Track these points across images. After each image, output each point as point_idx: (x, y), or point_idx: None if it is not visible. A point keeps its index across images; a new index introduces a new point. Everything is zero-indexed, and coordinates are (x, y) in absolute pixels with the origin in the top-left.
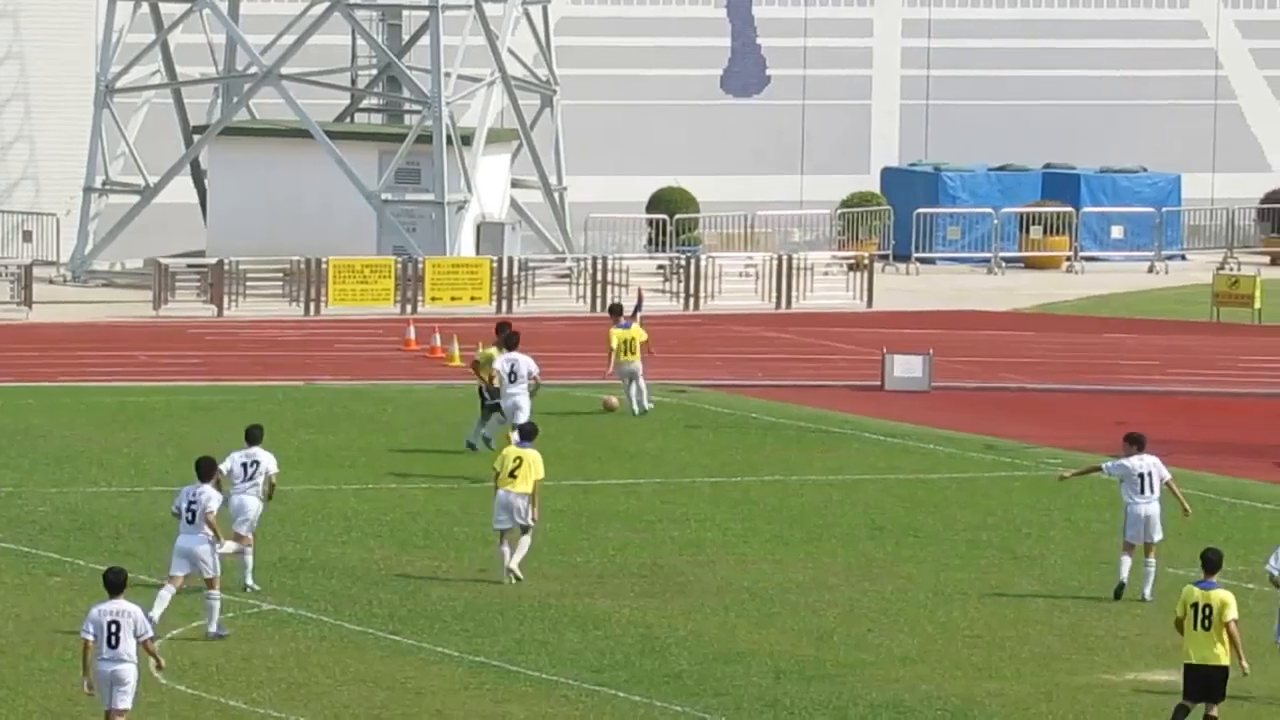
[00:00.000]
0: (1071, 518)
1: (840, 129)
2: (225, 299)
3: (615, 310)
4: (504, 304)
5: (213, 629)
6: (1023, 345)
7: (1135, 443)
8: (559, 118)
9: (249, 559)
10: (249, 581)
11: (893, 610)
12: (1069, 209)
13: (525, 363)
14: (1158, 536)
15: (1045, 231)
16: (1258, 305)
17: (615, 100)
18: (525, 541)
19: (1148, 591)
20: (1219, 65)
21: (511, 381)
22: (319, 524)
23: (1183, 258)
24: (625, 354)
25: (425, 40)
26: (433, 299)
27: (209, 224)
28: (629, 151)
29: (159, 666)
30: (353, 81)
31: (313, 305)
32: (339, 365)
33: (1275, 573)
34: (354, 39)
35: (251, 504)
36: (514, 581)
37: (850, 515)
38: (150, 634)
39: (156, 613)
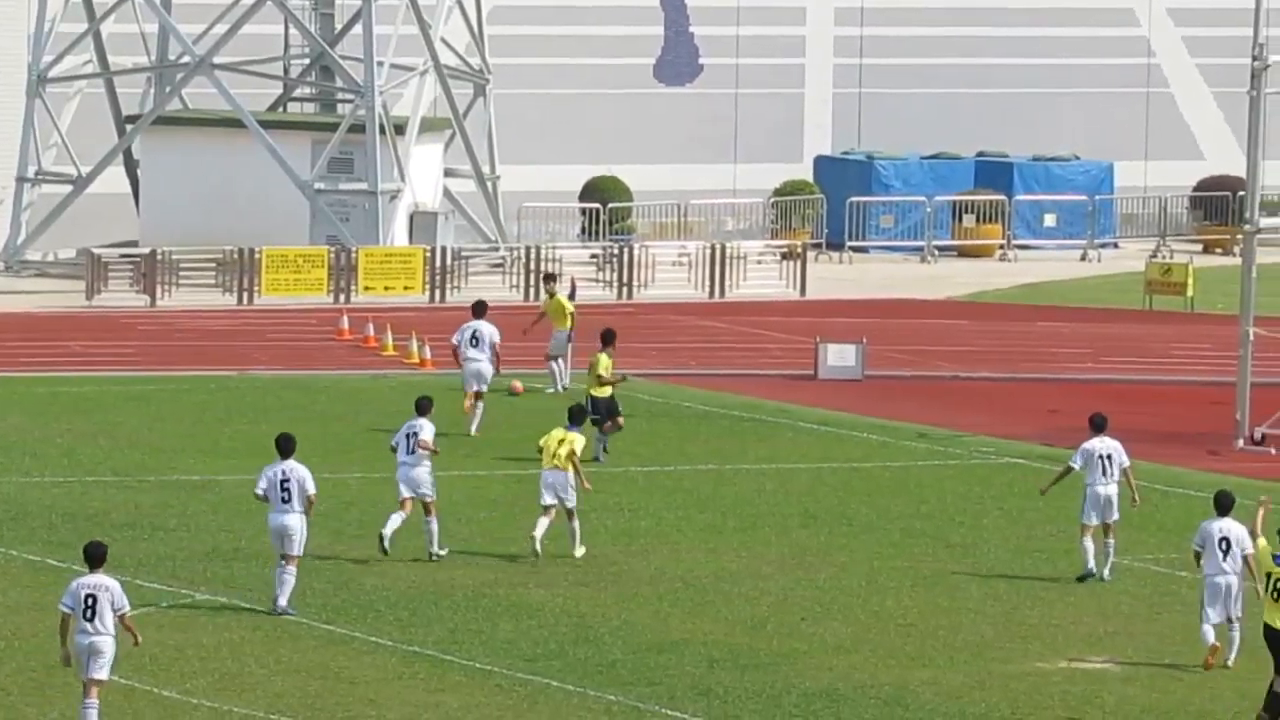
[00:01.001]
0: (1004, 506)
1: (773, 117)
2: (158, 289)
3: (549, 278)
4: (437, 293)
5: (282, 603)
6: (956, 334)
7: (1096, 425)
8: (492, 107)
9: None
10: (283, 604)
11: (826, 599)
12: (1002, 197)
13: (488, 330)
14: (1115, 516)
15: (978, 220)
16: (1190, 293)
17: (548, 89)
18: (576, 526)
19: (1106, 572)
20: (1151, 53)
21: (473, 346)
22: (252, 513)
23: (1115, 246)
24: (564, 323)
25: (358, 29)
26: (366, 288)
27: (142, 214)
28: (562, 140)
29: (135, 642)
30: (285, 71)
31: (246, 295)
32: (272, 355)
33: (1198, 548)
34: (286, 28)
35: (295, 523)
36: (578, 555)
37: (784, 504)
38: (127, 609)
39: (283, 599)
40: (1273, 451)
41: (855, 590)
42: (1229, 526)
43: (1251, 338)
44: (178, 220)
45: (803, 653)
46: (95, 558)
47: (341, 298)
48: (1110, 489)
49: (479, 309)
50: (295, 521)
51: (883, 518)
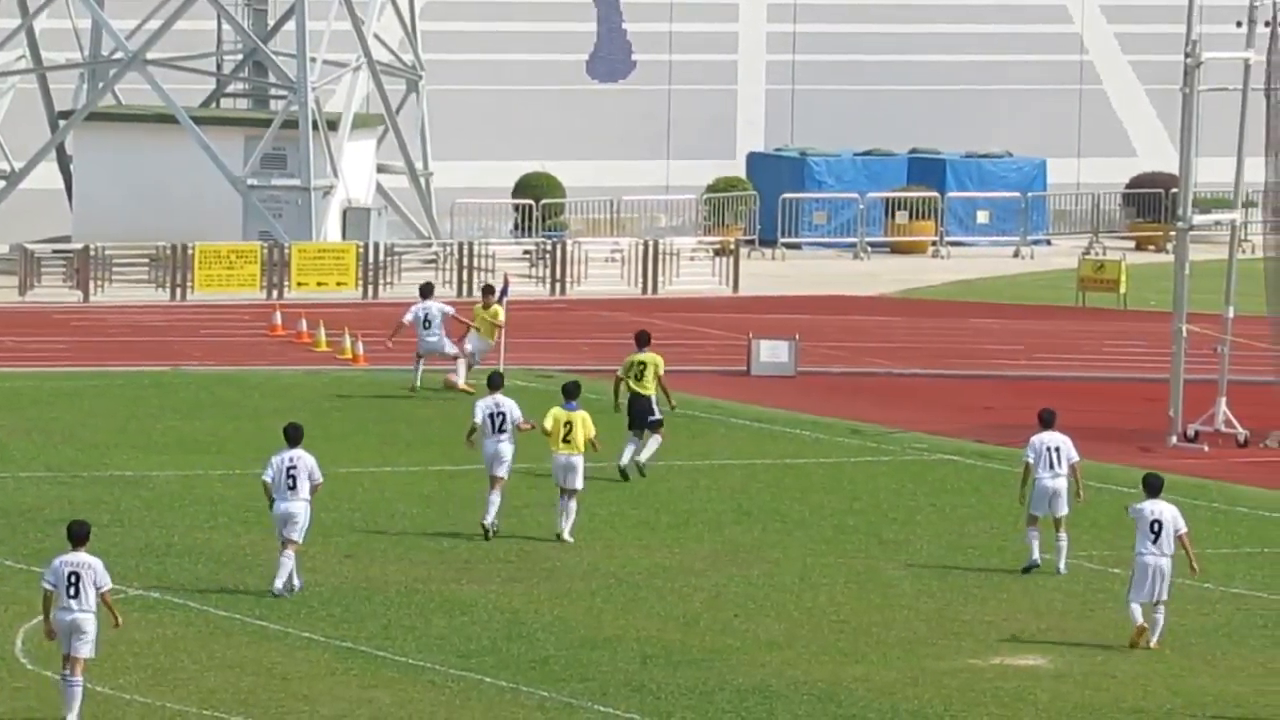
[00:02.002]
0: (937, 502)
1: (706, 114)
2: (91, 285)
3: (488, 291)
4: (370, 289)
5: (278, 585)
6: (888, 330)
7: (1044, 420)
8: (425, 103)
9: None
10: (280, 587)
11: (759, 595)
12: (934, 194)
13: (438, 308)
14: (1063, 511)
15: (911, 217)
16: (1123, 290)
17: (481, 85)
18: (573, 507)
19: (1062, 565)
20: (1084, 50)
21: (425, 328)
22: (185, 509)
23: (1048, 243)
24: (490, 334)
25: (291, 25)
26: (299, 284)
27: (75, 210)
28: (495, 137)
29: (116, 624)
30: (218, 67)
31: (179, 291)
32: (205, 351)
33: (1132, 514)
34: (220, 24)
35: (300, 509)
36: (568, 538)
37: (717, 500)
38: (109, 587)
39: (280, 581)
40: (1205, 448)
41: (788, 587)
42: (1160, 508)
43: (1185, 335)
44: (111, 216)
45: (736, 649)
46: (78, 536)
47: (274, 293)
48: (1058, 482)
49: (427, 290)
50: (300, 508)
51: (816, 514)
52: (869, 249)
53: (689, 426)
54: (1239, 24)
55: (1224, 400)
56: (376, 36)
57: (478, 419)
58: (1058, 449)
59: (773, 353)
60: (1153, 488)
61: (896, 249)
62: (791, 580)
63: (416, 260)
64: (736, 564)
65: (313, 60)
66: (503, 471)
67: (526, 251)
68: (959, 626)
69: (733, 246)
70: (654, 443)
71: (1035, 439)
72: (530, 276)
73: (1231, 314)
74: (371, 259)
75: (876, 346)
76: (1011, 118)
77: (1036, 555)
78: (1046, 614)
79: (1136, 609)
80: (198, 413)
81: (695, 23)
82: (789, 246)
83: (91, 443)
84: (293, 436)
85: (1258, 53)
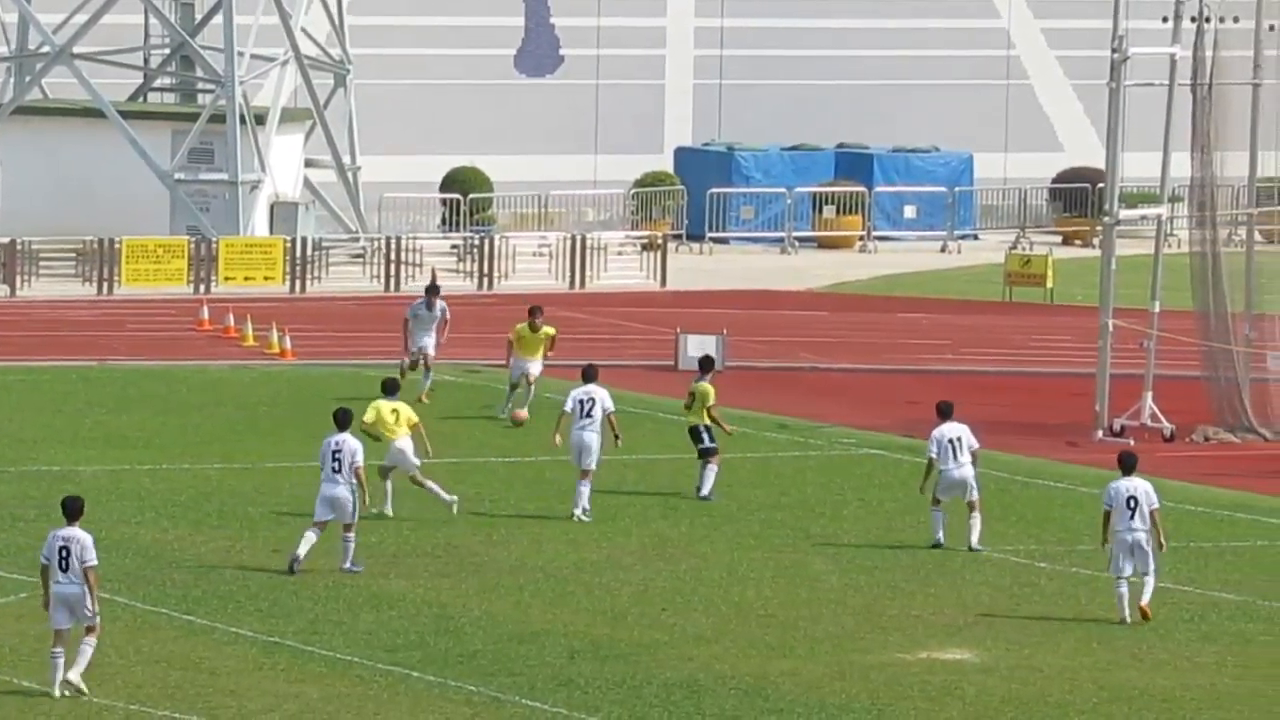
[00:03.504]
0: (864, 497)
1: (634, 109)
2: (18, 279)
3: (536, 312)
4: (297, 284)
5: (346, 565)
6: (816, 325)
7: (942, 412)
8: (352, 97)
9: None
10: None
11: (687, 590)
12: (862, 189)
13: (442, 306)
14: (974, 495)
15: (838, 211)
16: (1050, 285)
17: (409, 80)
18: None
19: (974, 540)
20: (1011, 45)
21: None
22: (112, 504)
23: (975, 237)
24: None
25: (218, 19)
26: (226, 279)
27: (1, 203)
28: (423, 131)
29: (92, 602)
30: (146, 61)
31: (106, 285)
32: (132, 345)
33: (1107, 507)
34: (147, 18)
35: (344, 494)
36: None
37: (644, 495)
38: (92, 563)
39: (301, 550)
40: (1131, 443)
41: (716, 581)
42: (1135, 484)
43: (1111, 329)
44: (37, 210)
45: (663, 643)
46: (71, 511)
47: (202, 288)
48: (964, 471)
49: (434, 288)
50: (344, 492)
51: (743, 509)
52: (796, 243)
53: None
54: (1165, 19)
55: (1150, 395)
56: (304, 31)
57: (567, 407)
58: (959, 439)
59: (700, 347)
60: (1127, 465)
61: (824, 243)
62: (719, 575)
63: (344, 255)
64: (664, 558)
65: (240, 55)
66: (591, 462)
67: (454, 246)
68: (886, 620)
69: (660, 241)
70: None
71: (936, 432)
72: (458, 271)
73: (1158, 309)
74: (299, 253)
75: (804, 341)
76: (939, 112)
77: (941, 534)
78: (973, 608)
79: (1124, 593)
80: (125, 407)
81: (623, 17)
82: (716, 241)
83: (18, 437)
84: (341, 421)
85: (1184, 48)
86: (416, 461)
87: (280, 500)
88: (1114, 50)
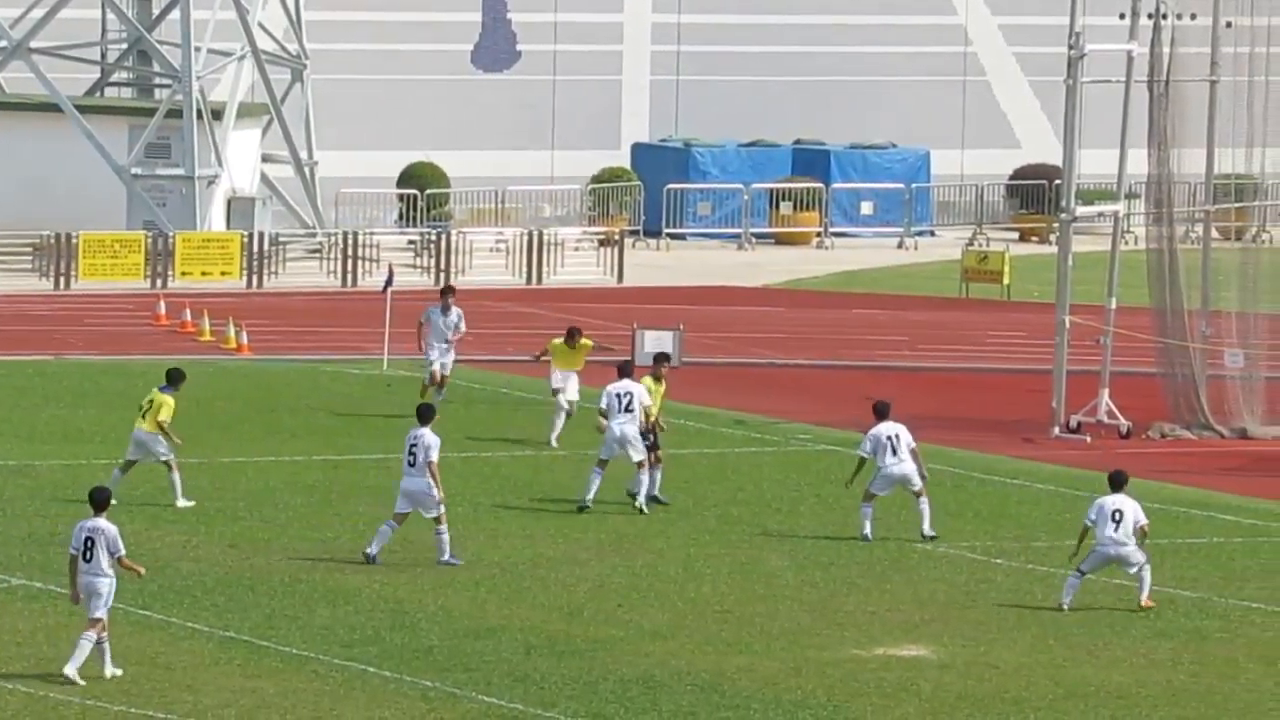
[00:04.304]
0: (821, 493)
1: (591, 105)
2: None
3: (574, 334)
4: (254, 279)
5: (444, 557)
6: (772, 321)
7: (879, 412)
8: (309, 92)
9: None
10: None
11: (643, 585)
12: (819, 185)
13: (458, 313)
14: (917, 485)
15: (795, 208)
16: (1006, 281)
17: (366, 75)
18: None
19: (926, 527)
20: (968, 42)
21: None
22: (69, 499)
23: (932, 234)
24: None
25: (175, 14)
26: (183, 274)
27: None
28: (380, 127)
29: (139, 575)
30: (103, 56)
31: (63, 280)
32: (89, 340)
33: (1089, 523)
34: (104, 13)
35: (423, 486)
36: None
37: (601, 490)
38: (121, 552)
39: (375, 547)
40: (1088, 439)
41: (672, 577)
42: (1123, 501)
43: (1068, 326)
44: None
45: (619, 639)
46: (98, 502)
47: (158, 283)
48: (903, 467)
49: (453, 293)
50: (424, 485)
51: (700, 504)
52: (753, 239)
53: (575, 417)
54: (1122, 16)
55: (1106, 391)
56: (261, 25)
57: (603, 404)
58: (896, 436)
59: (657, 343)
60: (1116, 483)
61: (781, 240)
62: (675, 570)
63: (301, 250)
64: (620, 554)
65: (197, 49)
66: (637, 455)
67: (411, 241)
68: (842, 616)
69: (617, 237)
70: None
71: (874, 431)
72: (415, 266)
73: (1114, 305)
74: (256, 249)
75: (760, 337)
76: (896, 109)
77: (869, 529)
78: (930, 604)
79: (1075, 584)
80: (81, 402)
81: (580, 13)
82: (673, 237)
83: None
84: (424, 416)
85: (1141, 45)
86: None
87: (237, 495)
88: (1071, 47)
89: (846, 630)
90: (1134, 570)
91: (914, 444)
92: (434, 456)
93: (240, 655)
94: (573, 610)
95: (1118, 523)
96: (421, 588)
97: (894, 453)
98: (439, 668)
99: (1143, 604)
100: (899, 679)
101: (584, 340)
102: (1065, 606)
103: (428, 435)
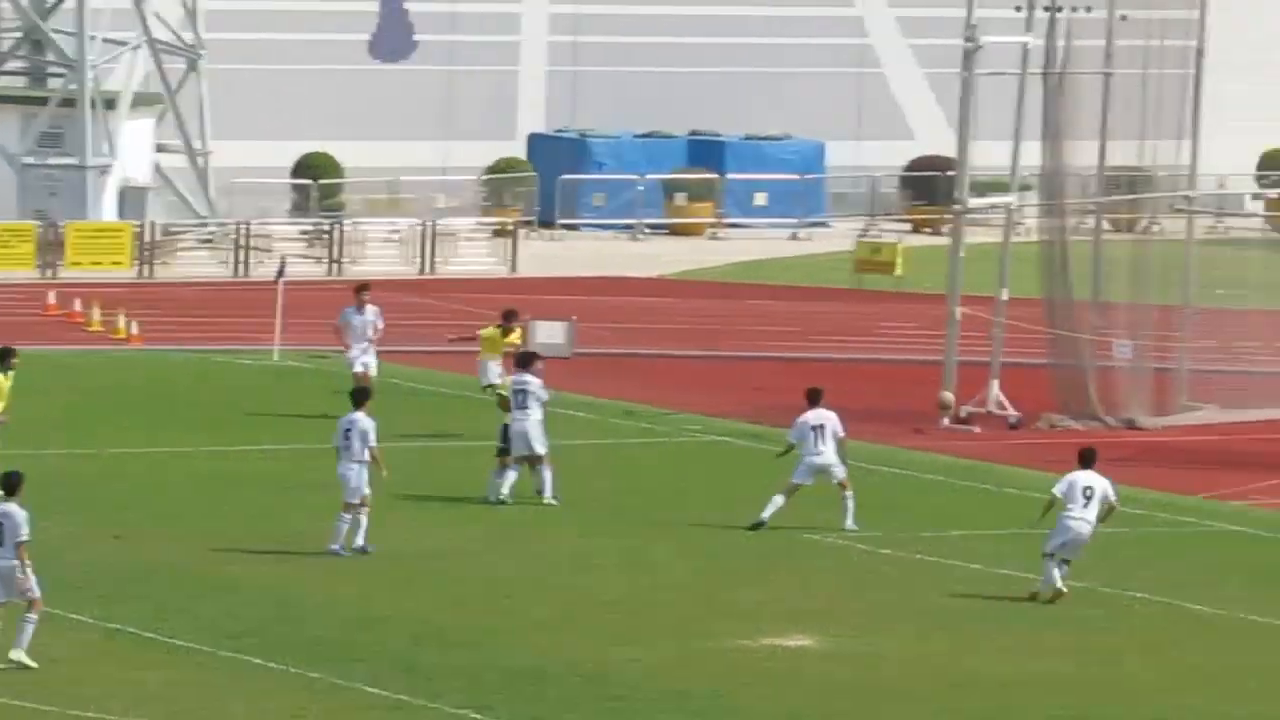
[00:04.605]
0: (711, 483)
1: (487, 95)
2: None
3: (511, 315)
4: (145, 269)
5: (360, 542)
6: (666, 312)
7: (811, 398)
8: (204, 82)
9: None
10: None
11: (532, 577)
12: (713, 176)
13: (375, 311)
14: (839, 476)
15: (690, 199)
16: (899, 272)
17: (261, 64)
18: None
19: (849, 521)
20: (865, 33)
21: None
22: None
23: (826, 225)
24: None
25: (70, 3)
26: (74, 264)
27: None
28: (275, 116)
29: (22, 569)
30: None
31: None
32: None
33: (1059, 494)
34: None
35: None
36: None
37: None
38: (22, 538)
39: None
40: (977, 430)
41: (561, 568)
42: (1093, 478)
43: (959, 317)
44: None
45: (507, 630)
46: (8, 486)
47: (49, 272)
48: (824, 458)
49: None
50: (358, 471)
51: (589, 495)
52: (647, 230)
53: (465, 407)
54: (1018, 8)
55: (996, 382)
56: (157, 15)
57: (509, 393)
58: (822, 426)
59: (549, 334)
60: (1086, 460)
61: (675, 230)
62: (564, 562)
63: (193, 240)
64: (509, 545)
65: (92, 38)
66: (539, 448)
67: (304, 232)
68: (729, 607)
69: (511, 227)
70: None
71: (801, 418)
72: (308, 257)
73: (1005, 296)
74: (147, 239)
75: (653, 328)
76: (792, 101)
77: (767, 515)
78: (817, 594)
79: (1054, 572)
80: None
81: (477, 3)
82: (567, 228)
83: None
84: (359, 399)
85: (1036, 37)
86: None
87: (124, 485)
88: (966, 39)
89: (733, 621)
90: (1075, 557)
91: (841, 433)
92: (372, 440)
93: (126, 647)
94: (460, 601)
95: (1088, 499)
96: (309, 579)
97: (816, 443)
98: (326, 658)
99: (1062, 588)
100: (785, 669)
101: (514, 336)
102: (1049, 591)
103: (363, 420)
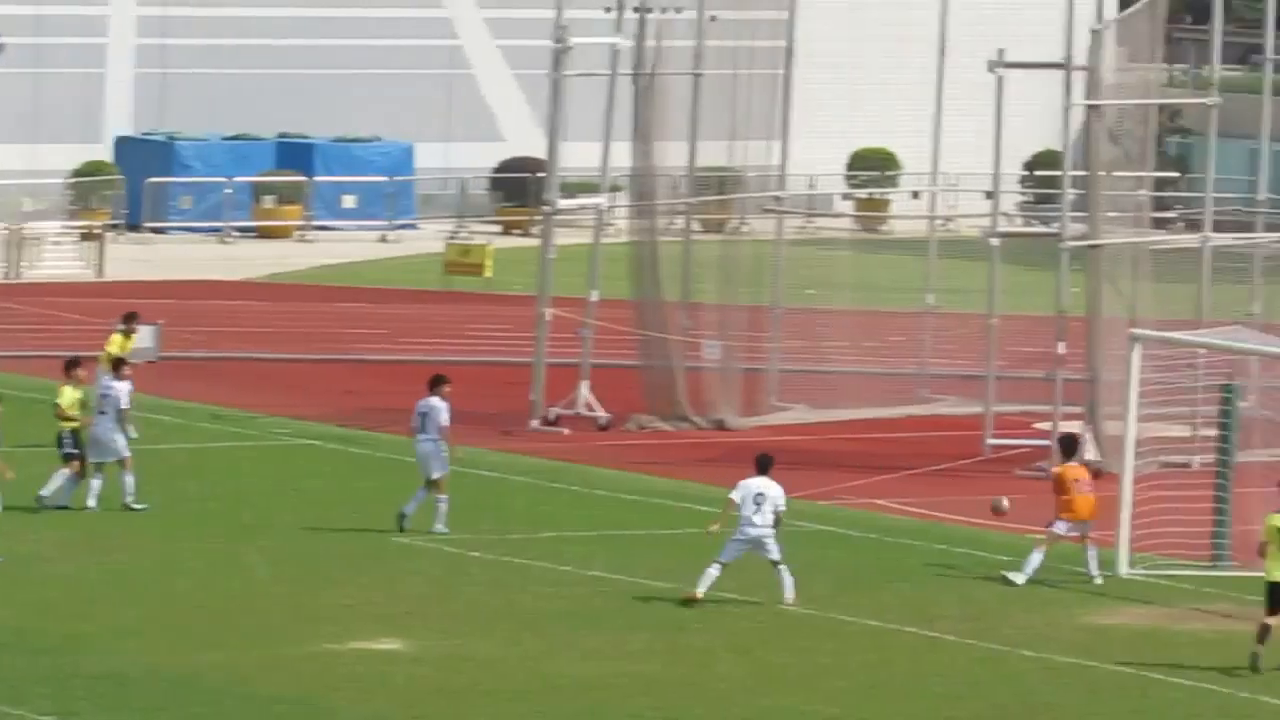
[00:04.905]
0: (299, 487)
1: (74, 98)
2: None
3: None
4: None
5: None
6: (253, 314)
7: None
8: None
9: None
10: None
11: (117, 581)
12: (302, 178)
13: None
14: (437, 474)
15: (278, 201)
16: (488, 274)
17: None
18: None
19: (440, 525)
20: (454, 35)
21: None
22: None
23: (415, 227)
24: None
25: None
26: None
27: None
28: None
29: None
30: None
31: None
32: None
33: (736, 500)
34: None
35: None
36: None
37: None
38: None
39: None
40: (566, 432)
41: (147, 573)
42: (766, 485)
43: (548, 318)
44: None
45: (91, 635)
46: None
47: None
48: (425, 446)
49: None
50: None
51: (176, 500)
52: (235, 233)
53: (40, 411)
54: (608, 9)
55: (586, 384)
56: None
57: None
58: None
59: (137, 338)
60: (762, 466)
61: (263, 233)
62: (151, 567)
63: None
64: (94, 551)
65: None
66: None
67: None
68: (317, 611)
69: (98, 231)
70: None
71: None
72: None
73: (595, 298)
74: None
75: (241, 331)
76: (382, 102)
77: (410, 508)
78: (405, 598)
79: (715, 571)
80: None
81: (63, 6)
82: (155, 231)
83: None
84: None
85: (626, 38)
86: None
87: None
88: (556, 40)
89: (321, 624)
90: (773, 558)
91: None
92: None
93: None
94: (45, 607)
95: (759, 506)
96: None
97: (424, 430)
98: None
99: (788, 602)
100: (373, 672)
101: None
102: (700, 595)
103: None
